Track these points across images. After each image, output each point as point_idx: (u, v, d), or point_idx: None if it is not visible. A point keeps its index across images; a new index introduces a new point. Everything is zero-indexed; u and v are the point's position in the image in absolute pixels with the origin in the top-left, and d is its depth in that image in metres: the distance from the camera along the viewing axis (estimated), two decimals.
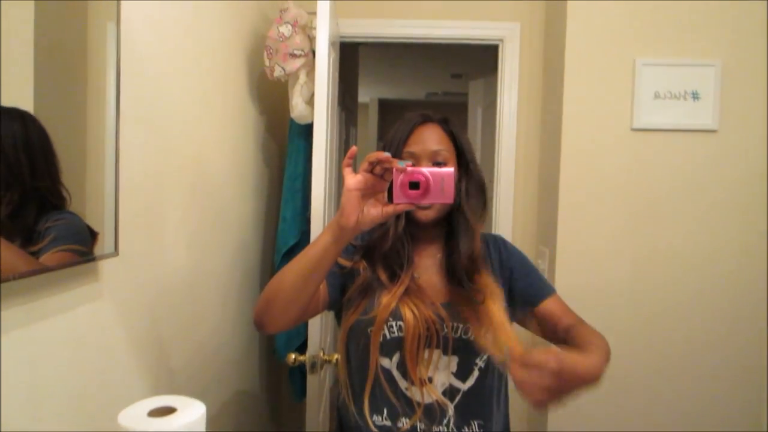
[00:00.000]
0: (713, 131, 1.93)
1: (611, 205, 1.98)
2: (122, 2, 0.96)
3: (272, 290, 1.01)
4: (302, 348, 1.78)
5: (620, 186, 1.98)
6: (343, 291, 1.13)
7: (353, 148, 0.95)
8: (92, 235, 0.93)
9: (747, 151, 1.94)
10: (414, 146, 1.11)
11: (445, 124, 1.16)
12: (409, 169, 0.93)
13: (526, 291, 1.15)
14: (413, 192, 0.93)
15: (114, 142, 0.97)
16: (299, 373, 2.01)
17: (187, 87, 1.36)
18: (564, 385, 0.80)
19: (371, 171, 0.91)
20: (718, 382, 1.96)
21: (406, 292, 1.08)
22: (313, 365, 1.58)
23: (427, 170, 0.94)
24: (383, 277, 1.09)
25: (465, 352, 1.08)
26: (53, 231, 0.81)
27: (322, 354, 1.59)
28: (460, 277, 1.08)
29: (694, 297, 1.96)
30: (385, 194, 0.94)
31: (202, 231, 1.48)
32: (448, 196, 0.94)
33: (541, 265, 2.13)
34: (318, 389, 1.68)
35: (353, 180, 0.91)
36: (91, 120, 0.92)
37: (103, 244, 0.97)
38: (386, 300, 1.06)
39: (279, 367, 2.29)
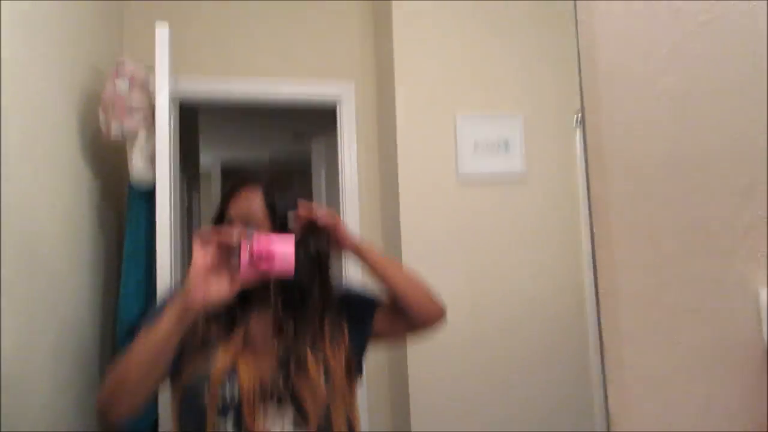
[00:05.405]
0: (523, 177, 2.21)
1: (449, 252, 2.12)
2: None
3: (116, 380, 0.99)
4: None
5: (454, 233, 2.14)
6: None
7: (211, 231, 0.97)
8: None
9: (552, 194, 2.22)
10: (231, 210, 1.12)
11: (266, 187, 1.13)
12: (256, 238, 0.93)
13: (363, 314, 1.22)
14: (262, 264, 0.91)
15: None
16: None
17: (18, 150, 1.25)
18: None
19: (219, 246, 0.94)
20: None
21: (241, 349, 1.09)
22: None
23: (274, 238, 0.94)
24: (216, 333, 1.10)
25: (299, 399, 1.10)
26: None
27: None
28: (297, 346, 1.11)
29: (525, 343, 2.10)
30: (229, 266, 0.94)
31: (30, 311, 1.34)
32: (290, 267, 0.93)
33: None
34: None
35: (201, 256, 0.92)
36: None
37: None
38: (221, 360, 1.06)
39: None
